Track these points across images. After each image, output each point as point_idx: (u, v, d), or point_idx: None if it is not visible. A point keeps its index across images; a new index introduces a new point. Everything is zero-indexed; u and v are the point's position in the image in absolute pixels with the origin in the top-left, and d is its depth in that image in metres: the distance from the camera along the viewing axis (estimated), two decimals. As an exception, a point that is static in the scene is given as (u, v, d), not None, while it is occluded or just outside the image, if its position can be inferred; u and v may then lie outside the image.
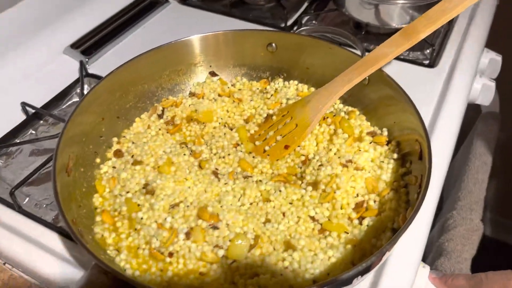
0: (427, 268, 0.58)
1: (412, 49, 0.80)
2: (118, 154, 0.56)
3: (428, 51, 0.79)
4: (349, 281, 0.40)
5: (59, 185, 0.45)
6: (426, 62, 0.77)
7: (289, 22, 0.85)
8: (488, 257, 0.67)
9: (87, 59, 0.80)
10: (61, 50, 0.82)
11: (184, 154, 0.56)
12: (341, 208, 0.50)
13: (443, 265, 0.71)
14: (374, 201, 0.50)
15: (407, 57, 0.79)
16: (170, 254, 0.46)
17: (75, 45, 0.82)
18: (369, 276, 0.51)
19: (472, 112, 0.87)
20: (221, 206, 0.50)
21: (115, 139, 0.58)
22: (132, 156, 0.55)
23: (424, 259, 0.57)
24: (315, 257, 0.45)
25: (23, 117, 0.72)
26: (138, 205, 0.50)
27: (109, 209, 0.51)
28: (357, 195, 0.51)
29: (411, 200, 0.48)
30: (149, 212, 0.49)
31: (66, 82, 0.77)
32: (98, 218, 0.50)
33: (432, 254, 0.77)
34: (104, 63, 0.81)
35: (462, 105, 0.72)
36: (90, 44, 0.82)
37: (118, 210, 0.50)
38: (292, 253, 0.45)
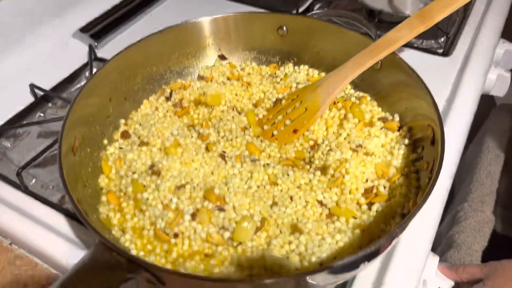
0: (437, 258, 0.57)
1: (426, 37, 0.79)
2: (125, 135, 0.55)
3: (442, 39, 0.78)
4: (356, 265, 0.39)
5: (65, 164, 0.45)
6: (440, 50, 0.76)
7: (301, 9, 0.84)
8: (500, 251, 0.66)
9: (96, 43, 0.79)
10: (70, 34, 0.82)
11: (191, 137, 0.55)
12: (350, 193, 0.49)
13: (453, 257, 0.70)
14: (384, 187, 0.49)
15: (420, 46, 0.78)
16: (175, 235, 0.45)
17: (84, 29, 0.82)
18: (377, 264, 0.50)
19: (486, 103, 0.85)
20: (227, 189, 0.49)
21: (122, 120, 0.58)
22: (139, 138, 0.54)
23: (433, 252, 0.56)
24: (322, 241, 0.44)
25: (31, 99, 0.71)
26: (144, 186, 0.49)
27: (114, 190, 0.50)
28: (367, 180, 0.50)
29: (422, 186, 0.47)
30: (154, 192, 0.48)
31: (74, 66, 0.76)
32: (103, 199, 0.50)
33: (441, 247, 0.76)
34: (113, 47, 0.80)
35: (476, 95, 0.71)
36: (99, 29, 0.82)
37: (124, 190, 0.50)
38: (299, 237, 0.44)
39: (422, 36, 0.80)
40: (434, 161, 0.44)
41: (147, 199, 0.48)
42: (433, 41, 0.78)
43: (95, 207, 0.48)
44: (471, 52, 0.75)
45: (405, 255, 0.50)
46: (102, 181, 0.52)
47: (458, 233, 0.73)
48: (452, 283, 0.56)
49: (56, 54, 0.79)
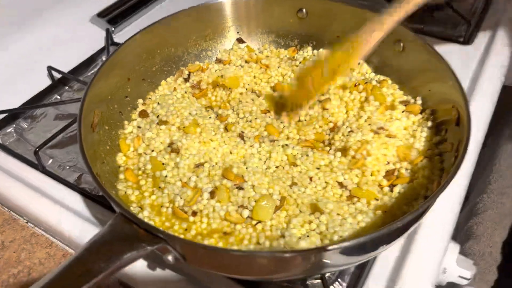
0: (457, 246, 0.56)
1: (447, 25, 0.77)
2: (144, 114, 0.55)
3: (463, 27, 0.76)
4: (381, 242, 0.38)
5: (84, 139, 0.44)
6: (461, 39, 0.74)
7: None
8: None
9: (113, 28, 0.79)
10: (87, 18, 0.82)
11: (210, 117, 0.55)
12: (371, 175, 0.48)
13: (472, 248, 0.69)
14: (406, 169, 0.48)
15: (440, 34, 0.76)
16: (194, 213, 0.45)
17: (101, 14, 0.82)
18: (396, 251, 0.49)
19: (508, 95, 0.84)
20: (246, 168, 0.49)
21: (140, 100, 0.57)
22: (158, 116, 0.54)
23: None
24: (343, 221, 0.43)
25: (48, 82, 0.72)
26: (163, 163, 0.49)
27: (132, 168, 0.50)
28: (388, 162, 0.49)
29: (446, 168, 0.46)
30: (173, 170, 0.48)
31: (91, 50, 0.76)
32: (121, 176, 0.50)
33: (459, 239, 0.75)
34: (130, 32, 0.79)
35: (497, 85, 0.69)
36: (116, 14, 0.82)
37: (142, 168, 0.49)
38: (319, 216, 0.44)
39: (443, 24, 0.79)
40: (460, 140, 0.43)
41: (166, 176, 0.47)
42: (454, 30, 0.77)
43: (113, 184, 0.48)
44: (493, 40, 0.74)
45: (425, 243, 0.49)
46: (120, 159, 0.51)
47: (477, 224, 0.72)
48: (473, 272, 0.55)
49: (73, 38, 0.79)
